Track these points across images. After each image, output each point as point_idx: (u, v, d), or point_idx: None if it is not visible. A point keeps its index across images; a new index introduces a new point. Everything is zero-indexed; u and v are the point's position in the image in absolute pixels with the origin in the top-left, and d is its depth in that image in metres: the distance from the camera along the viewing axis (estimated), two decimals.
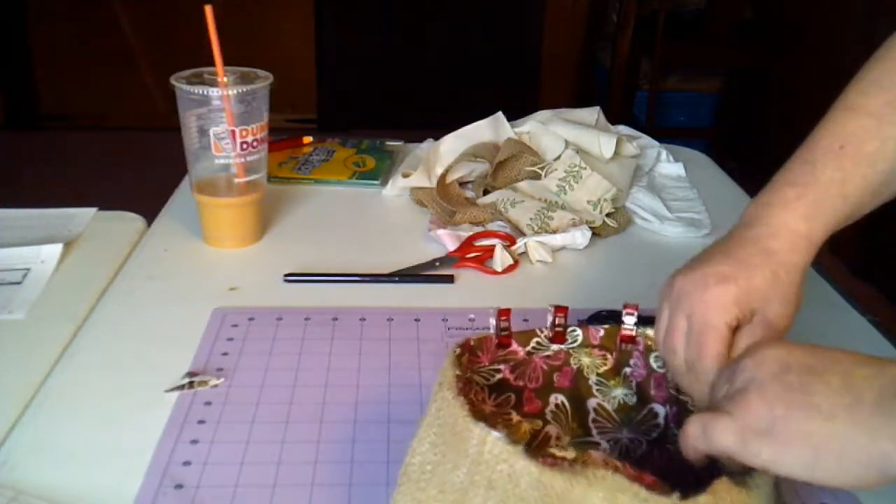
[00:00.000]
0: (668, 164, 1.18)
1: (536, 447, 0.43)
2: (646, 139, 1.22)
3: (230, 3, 2.79)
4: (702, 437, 0.47)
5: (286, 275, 0.87)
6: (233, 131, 0.88)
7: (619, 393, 0.60)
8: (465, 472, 0.44)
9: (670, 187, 1.13)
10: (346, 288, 0.86)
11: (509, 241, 0.94)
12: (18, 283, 0.86)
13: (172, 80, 0.87)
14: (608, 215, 1.00)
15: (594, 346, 0.60)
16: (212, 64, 0.87)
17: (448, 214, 1.00)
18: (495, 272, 0.89)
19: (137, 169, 2.69)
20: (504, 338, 0.58)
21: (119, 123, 3.44)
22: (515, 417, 0.57)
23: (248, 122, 0.88)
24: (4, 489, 0.57)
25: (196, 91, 0.86)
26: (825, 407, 0.43)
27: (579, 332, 0.60)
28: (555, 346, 0.60)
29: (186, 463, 0.60)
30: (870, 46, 0.67)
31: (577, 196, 1.01)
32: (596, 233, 0.98)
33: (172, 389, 0.68)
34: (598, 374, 0.60)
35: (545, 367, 0.60)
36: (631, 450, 0.59)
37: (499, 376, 0.58)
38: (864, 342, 0.80)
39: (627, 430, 0.60)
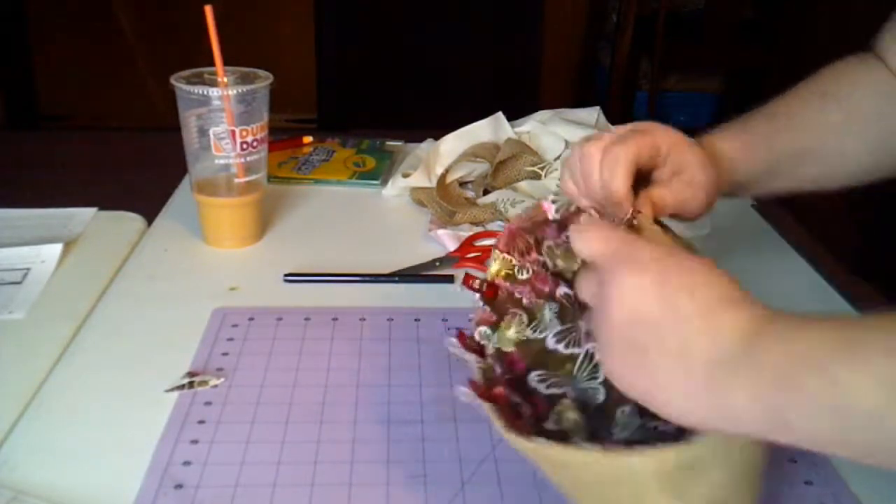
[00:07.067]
0: None
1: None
2: None
3: (230, 3, 2.79)
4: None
5: (286, 275, 0.87)
6: (233, 131, 0.88)
7: (548, 313, 0.62)
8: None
9: None
10: (346, 288, 0.86)
11: None
12: (18, 283, 0.86)
13: (172, 80, 0.87)
14: None
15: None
16: (212, 64, 0.87)
17: (448, 214, 1.00)
18: None
19: (137, 169, 2.68)
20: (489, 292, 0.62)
21: (119, 123, 3.44)
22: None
23: (248, 122, 0.88)
24: (4, 489, 0.57)
25: (196, 91, 0.86)
26: (661, 377, 0.43)
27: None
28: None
29: (186, 463, 0.60)
30: (869, 46, 0.68)
31: None
32: None
33: (172, 389, 0.68)
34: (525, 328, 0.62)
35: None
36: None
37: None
38: None
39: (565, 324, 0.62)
